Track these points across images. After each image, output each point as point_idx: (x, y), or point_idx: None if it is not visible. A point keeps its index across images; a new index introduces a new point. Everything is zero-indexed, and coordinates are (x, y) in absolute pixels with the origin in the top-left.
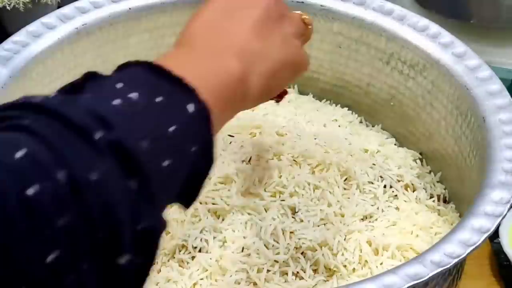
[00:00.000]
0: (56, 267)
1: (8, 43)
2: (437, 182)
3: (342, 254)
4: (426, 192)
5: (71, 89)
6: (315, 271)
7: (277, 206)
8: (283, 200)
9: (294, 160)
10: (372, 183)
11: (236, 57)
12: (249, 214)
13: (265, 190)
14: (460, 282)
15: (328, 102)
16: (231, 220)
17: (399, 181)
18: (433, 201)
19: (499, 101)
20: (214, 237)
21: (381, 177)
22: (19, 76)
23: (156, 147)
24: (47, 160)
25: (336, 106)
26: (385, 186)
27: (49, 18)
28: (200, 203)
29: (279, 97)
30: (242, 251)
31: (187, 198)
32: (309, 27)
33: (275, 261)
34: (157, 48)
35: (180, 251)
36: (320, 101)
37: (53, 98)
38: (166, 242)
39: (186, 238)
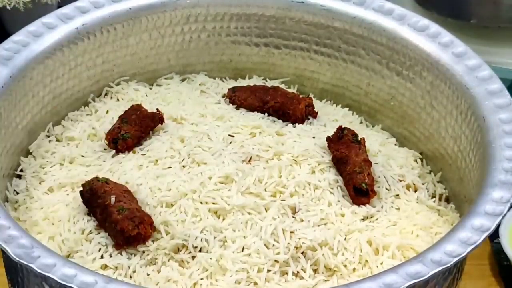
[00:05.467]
0: None
1: (9, 43)
2: (437, 182)
3: (342, 254)
4: (428, 192)
5: None
6: (315, 270)
7: (277, 206)
8: (283, 200)
9: (294, 160)
10: None
11: None
12: (249, 213)
13: (265, 190)
14: (460, 282)
15: (328, 102)
16: (231, 220)
17: (400, 180)
18: (434, 201)
19: (499, 101)
20: (214, 237)
21: (384, 176)
22: (19, 76)
23: None
24: None
25: (336, 106)
26: (388, 188)
27: (49, 18)
28: (201, 203)
29: None
30: (243, 250)
31: None
32: None
33: (275, 261)
34: (157, 48)
35: (180, 251)
36: (320, 101)
37: None
38: (166, 242)
39: (186, 238)
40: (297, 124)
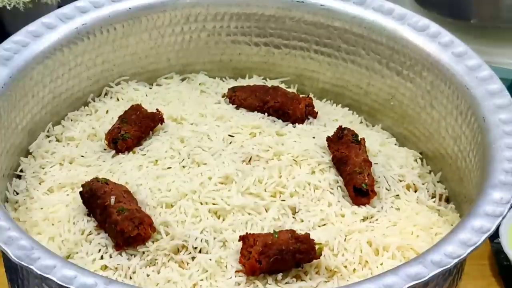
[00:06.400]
0: None
1: (8, 43)
2: (437, 182)
3: (343, 255)
4: (428, 192)
5: None
6: (316, 272)
7: (277, 206)
8: (283, 200)
9: (294, 160)
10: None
11: None
12: (249, 214)
13: (265, 190)
14: (460, 282)
15: (328, 102)
16: (231, 221)
17: (400, 181)
18: (434, 201)
19: (499, 101)
20: (214, 238)
21: (384, 177)
22: (19, 76)
23: None
24: None
25: (336, 106)
26: (388, 188)
27: (49, 18)
28: (201, 203)
29: None
30: None
31: None
32: None
33: None
34: (157, 48)
35: (180, 251)
36: (320, 101)
37: None
38: (166, 243)
39: (186, 239)
40: (297, 124)
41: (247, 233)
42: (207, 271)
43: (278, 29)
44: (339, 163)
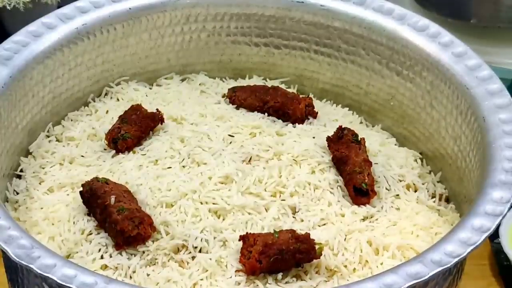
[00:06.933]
0: None
1: (8, 43)
2: (437, 182)
3: (343, 254)
4: (428, 192)
5: None
6: (316, 272)
7: (278, 206)
8: (284, 200)
9: (294, 160)
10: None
11: None
12: (249, 214)
13: (265, 190)
14: (460, 282)
15: (328, 102)
16: (231, 220)
17: (400, 181)
18: (434, 201)
19: (499, 101)
20: (214, 237)
21: (384, 176)
22: (19, 76)
23: None
24: None
25: (336, 106)
26: (388, 188)
27: (49, 18)
28: (201, 203)
29: None
30: None
31: None
32: None
33: None
34: (157, 48)
35: (180, 251)
36: (320, 101)
37: None
38: (166, 242)
39: (186, 238)
40: (297, 124)
41: (247, 232)
42: (207, 270)
43: (278, 30)
44: (339, 163)
